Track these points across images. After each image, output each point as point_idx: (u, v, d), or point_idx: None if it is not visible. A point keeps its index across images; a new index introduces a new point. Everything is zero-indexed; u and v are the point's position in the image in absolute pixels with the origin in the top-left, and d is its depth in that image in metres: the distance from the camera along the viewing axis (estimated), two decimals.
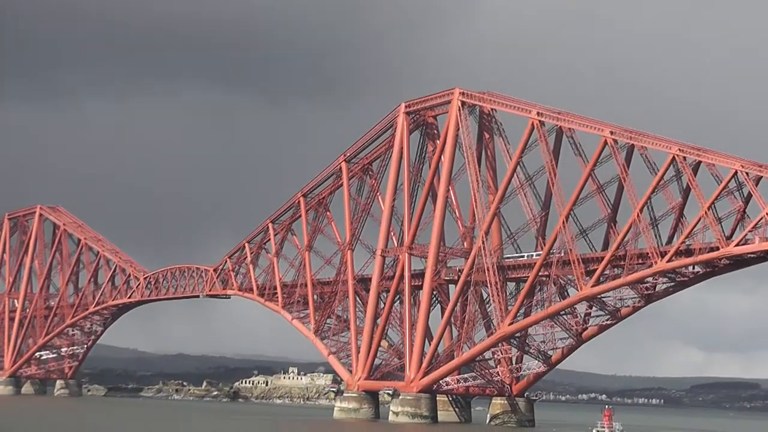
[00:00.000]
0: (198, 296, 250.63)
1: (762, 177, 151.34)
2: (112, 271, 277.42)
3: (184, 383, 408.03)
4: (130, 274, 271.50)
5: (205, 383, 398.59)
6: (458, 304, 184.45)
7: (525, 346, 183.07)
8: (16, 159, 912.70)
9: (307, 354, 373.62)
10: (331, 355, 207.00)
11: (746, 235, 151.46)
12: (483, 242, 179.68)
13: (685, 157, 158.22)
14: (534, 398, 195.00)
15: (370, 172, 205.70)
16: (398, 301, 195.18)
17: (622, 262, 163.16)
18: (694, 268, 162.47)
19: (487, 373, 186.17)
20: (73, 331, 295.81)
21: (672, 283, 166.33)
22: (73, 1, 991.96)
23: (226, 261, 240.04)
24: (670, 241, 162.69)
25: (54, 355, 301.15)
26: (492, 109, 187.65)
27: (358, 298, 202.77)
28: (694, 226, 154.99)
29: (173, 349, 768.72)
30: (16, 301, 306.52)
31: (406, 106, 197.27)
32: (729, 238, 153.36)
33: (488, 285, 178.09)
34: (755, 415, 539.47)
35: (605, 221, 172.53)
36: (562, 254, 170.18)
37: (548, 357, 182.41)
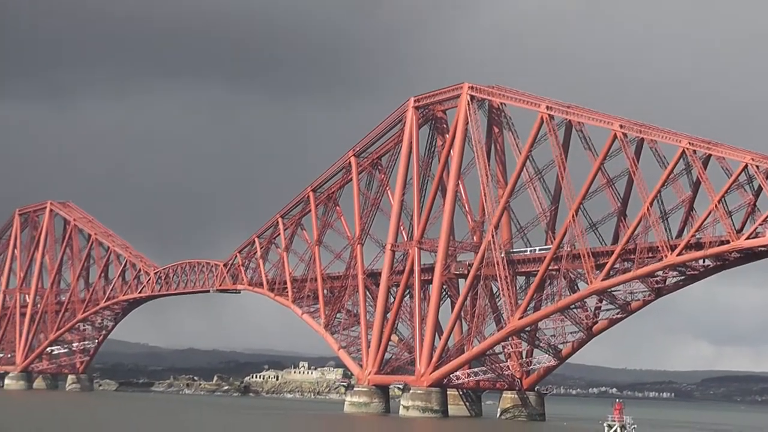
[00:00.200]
0: (208, 291, 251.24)
1: None
2: (122, 266, 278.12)
3: (195, 378, 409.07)
4: (140, 269, 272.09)
5: (215, 378, 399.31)
6: (468, 298, 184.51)
7: (535, 339, 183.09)
8: (26, 155, 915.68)
9: (318, 348, 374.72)
10: (342, 350, 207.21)
11: (756, 228, 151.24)
12: (492, 236, 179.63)
13: (695, 151, 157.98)
14: (544, 392, 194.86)
15: (380, 167, 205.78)
16: (408, 296, 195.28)
17: (632, 256, 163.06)
18: (704, 262, 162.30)
19: (497, 367, 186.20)
20: (84, 326, 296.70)
21: (682, 277, 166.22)
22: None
23: (236, 256, 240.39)
24: (680, 234, 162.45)
25: (65, 350, 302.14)
26: (501, 103, 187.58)
27: (368, 293, 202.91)
28: (705, 220, 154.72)
29: (184, 344, 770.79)
30: (27, 296, 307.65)
31: (415, 101, 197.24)
32: (739, 231, 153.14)
33: (498, 279, 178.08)
34: (766, 409, 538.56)
35: (615, 215, 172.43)
36: (572, 248, 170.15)
37: (558, 351, 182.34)
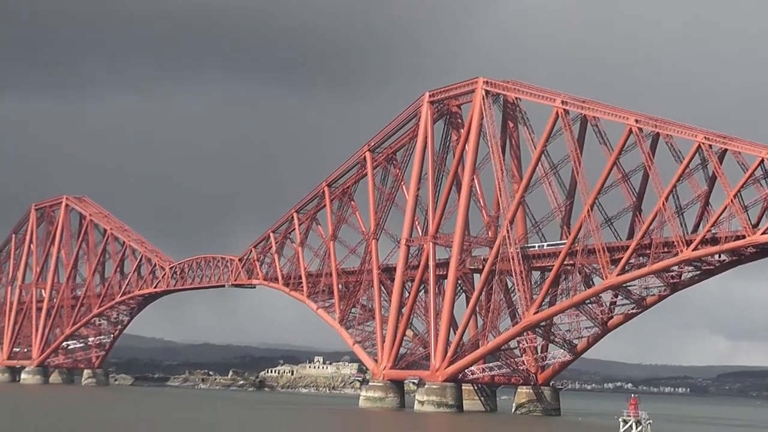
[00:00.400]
0: (223, 286, 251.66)
1: None
2: (138, 261, 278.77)
3: (210, 372, 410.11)
4: (155, 264, 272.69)
5: (231, 372, 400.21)
6: (483, 293, 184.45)
7: (550, 335, 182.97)
8: (43, 150, 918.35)
9: (333, 343, 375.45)
10: (357, 345, 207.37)
11: None
12: (507, 231, 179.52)
13: (710, 145, 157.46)
14: (559, 387, 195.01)
15: (395, 162, 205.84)
16: (423, 291, 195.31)
17: (648, 251, 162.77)
18: (720, 257, 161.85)
19: (512, 362, 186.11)
20: (99, 320, 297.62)
21: (698, 272, 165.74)
22: None
23: (251, 251, 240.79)
24: (695, 229, 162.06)
25: (81, 345, 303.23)
26: (516, 98, 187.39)
27: (382, 288, 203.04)
28: (720, 215, 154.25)
29: (199, 339, 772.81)
30: (43, 291, 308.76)
31: (430, 96, 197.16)
32: (755, 226, 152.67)
33: (513, 274, 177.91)
34: None
35: (630, 210, 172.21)
36: (587, 243, 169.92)
37: (573, 346, 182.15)
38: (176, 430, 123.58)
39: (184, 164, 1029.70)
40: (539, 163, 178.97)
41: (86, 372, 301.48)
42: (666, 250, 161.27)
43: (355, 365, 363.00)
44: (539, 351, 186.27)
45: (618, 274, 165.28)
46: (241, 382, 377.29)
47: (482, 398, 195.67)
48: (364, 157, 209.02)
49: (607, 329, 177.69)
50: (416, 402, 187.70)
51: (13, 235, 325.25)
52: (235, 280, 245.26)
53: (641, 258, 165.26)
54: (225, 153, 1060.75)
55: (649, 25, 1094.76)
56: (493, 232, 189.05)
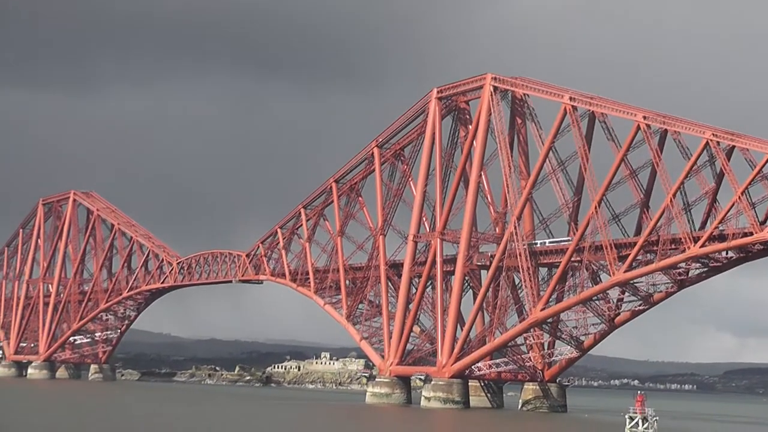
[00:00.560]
0: (231, 281, 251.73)
1: None
2: (145, 256, 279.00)
3: (217, 368, 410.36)
4: (163, 259, 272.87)
5: (237, 368, 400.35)
6: (490, 289, 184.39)
7: (557, 331, 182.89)
8: (50, 145, 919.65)
9: (340, 339, 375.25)
10: (363, 341, 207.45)
11: None
12: (515, 227, 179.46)
13: (718, 142, 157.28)
14: (566, 384, 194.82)
15: (402, 158, 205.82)
16: (430, 287, 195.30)
17: (655, 248, 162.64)
18: (727, 254, 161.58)
19: (519, 358, 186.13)
20: (106, 315, 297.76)
21: (705, 269, 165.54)
22: None
23: (258, 246, 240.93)
24: (703, 226, 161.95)
25: (88, 340, 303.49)
26: (524, 94, 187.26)
27: (390, 284, 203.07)
28: (728, 212, 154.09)
29: (206, 334, 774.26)
30: (50, 286, 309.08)
31: (438, 92, 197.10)
32: (763, 223, 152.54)
33: (520, 270, 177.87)
34: None
35: (638, 206, 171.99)
36: (594, 240, 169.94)
37: (580, 342, 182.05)
38: (184, 424, 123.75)
39: (191, 159, 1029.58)
40: (547, 160, 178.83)
41: (93, 367, 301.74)
42: (673, 246, 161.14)
43: (362, 361, 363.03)
44: (546, 347, 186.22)
45: (625, 271, 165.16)
46: (248, 378, 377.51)
47: (489, 395, 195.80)
48: (372, 153, 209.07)
49: (614, 326, 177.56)
50: (423, 398, 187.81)
51: (21, 230, 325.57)
52: (243, 276, 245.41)
53: (648, 255, 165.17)
54: (233, 148, 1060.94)
55: (653, 22, 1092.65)
56: (501, 229, 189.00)
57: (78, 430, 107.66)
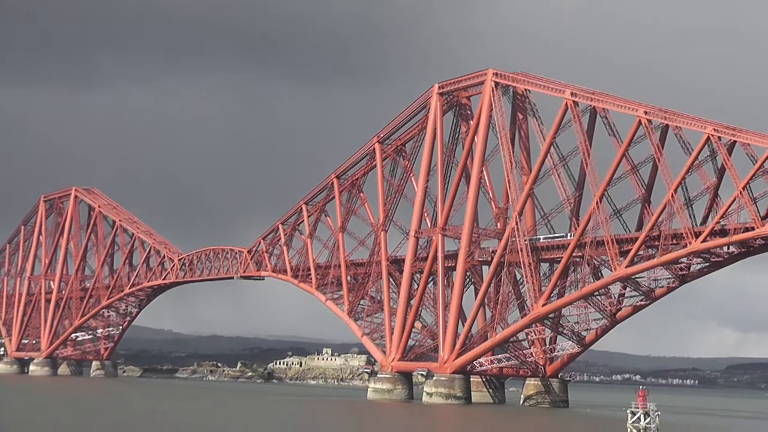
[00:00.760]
0: (232, 278, 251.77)
1: None
2: (146, 252, 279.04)
3: (219, 364, 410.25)
4: (164, 256, 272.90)
5: (239, 364, 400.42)
6: (492, 285, 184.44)
7: (559, 326, 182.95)
8: (51, 141, 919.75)
9: (341, 335, 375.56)
10: (365, 336, 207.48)
11: None
12: (516, 223, 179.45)
13: (719, 137, 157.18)
14: (568, 379, 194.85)
15: (404, 153, 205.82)
16: (432, 282, 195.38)
17: (657, 243, 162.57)
18: (728, 249, 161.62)
19: (520, 354, 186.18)
20: (108, 312, 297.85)
21: (707, 264, 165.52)
22: None
23: (260, 242, 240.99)
24: (704, 221, 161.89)
25: (90, 337, 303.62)
26: (525, 90, 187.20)
27: (391, 279, 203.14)
28: (729, 206, 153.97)
29: (207, 331, 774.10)
30: (52, 282, 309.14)
31: (439, 87, 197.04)
32: (764, 218, 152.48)
33: (522, 266, 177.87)
34: None
35: (639, 202, 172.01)
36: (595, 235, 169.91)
37: (582, 338, 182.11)
38: (186, 420, 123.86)
39: (193, 156, 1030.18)
40: (548, 155, 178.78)
41: (95, 364, 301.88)
42: (675, 241, 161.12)
43: (364, 357, 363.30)
44: (548, 343, 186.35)
45: (627, 266, 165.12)
46: (250, 374, 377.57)
47: (490, 390, 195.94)
48: (374, 149, 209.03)
49: (616, 321, 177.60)
50: (424, 394, 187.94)
51: (22, 227, 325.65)
52: (244, 272, 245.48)
53: (650, 250, 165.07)
54: (234, 144, 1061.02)
55: (654, 19, 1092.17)
56: (502, 224, 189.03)
57: (80, 426, 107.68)
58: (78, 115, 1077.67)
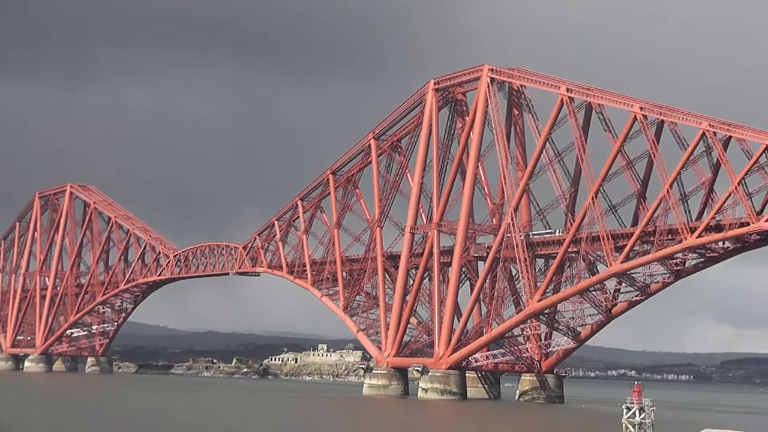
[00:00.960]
0: (228, 274, 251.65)
1: None
2: (142, 248, 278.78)
3: (214, 360, 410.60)
4: (160, 252, 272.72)
5: (234, 360, 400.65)
6: (487, 280, 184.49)
7: (554, 322, 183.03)
8: (46, 138, 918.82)
9: (337, 331, 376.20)
10: (361, 332, 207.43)
11: None
12: (512, 219, 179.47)
13: (715, 133, 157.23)
14: (563, 374, 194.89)
15: (399, 149, 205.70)
16: (427, 278, 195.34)
17: (652, 238, 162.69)
18: (724, 244, 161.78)
19: (516, 349, 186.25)
20: (103, 308, 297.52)
21: (702, 259, 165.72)
22: None
23: (255, 238, 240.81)
24: (700, 216, 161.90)
25: (85, 333, 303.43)
26: (521, 86, 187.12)
27: (387, 275, 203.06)
28: (724, 202, 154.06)
29: (203, 327, 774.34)
30: (47, 279, 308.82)
31: (435, 83, 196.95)
32: (759, 213, 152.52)
33: (517, 261, 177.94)
34: None
35: (635, 197, 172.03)
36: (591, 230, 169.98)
37: (577, 333, 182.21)
38: (181, 416, 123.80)
39: (188, 152, 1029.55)
40: (544, 151, 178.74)
41: (90, 360, 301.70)
42: (670, 237, 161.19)
43: (359, 353, 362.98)
44: (543, 338, 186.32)
45: (622, 262, 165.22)
46: (245, 370, 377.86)
47: (486, 386, 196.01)
48: (369, 145, 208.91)
49: (611, 316, 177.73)
50: (420, 389, 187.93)
51: (17, 223, 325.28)
52: (240, 268, 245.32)
53: (645, 245, 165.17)
54: (230, 141, 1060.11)
55: (651, 14, 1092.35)
56: (498, 220, 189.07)
57: (75, 423, 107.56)
58: (77, 113, 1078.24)
